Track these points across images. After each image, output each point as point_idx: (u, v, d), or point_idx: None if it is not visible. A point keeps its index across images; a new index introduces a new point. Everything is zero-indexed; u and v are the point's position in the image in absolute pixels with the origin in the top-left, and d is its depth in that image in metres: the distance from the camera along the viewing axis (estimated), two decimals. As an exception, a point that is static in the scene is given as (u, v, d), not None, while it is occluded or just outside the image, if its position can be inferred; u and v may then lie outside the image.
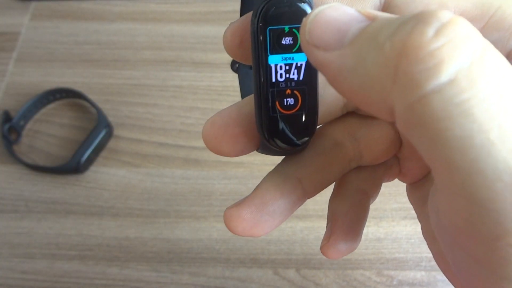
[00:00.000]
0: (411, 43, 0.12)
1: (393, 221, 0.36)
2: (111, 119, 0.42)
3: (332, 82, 0.15)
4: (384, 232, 0.36)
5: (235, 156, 0.19)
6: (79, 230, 0.37)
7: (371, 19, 0.14)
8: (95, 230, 0.37)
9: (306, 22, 0.14)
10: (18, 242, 0.36)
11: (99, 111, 0.41)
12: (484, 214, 0.12)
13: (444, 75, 0.11)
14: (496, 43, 0.17)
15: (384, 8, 0.18)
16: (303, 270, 0.34)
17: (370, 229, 0.36)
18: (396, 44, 0.12)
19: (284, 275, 0.34)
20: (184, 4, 0.51)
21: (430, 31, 0.12)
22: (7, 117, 0.42)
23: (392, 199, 0.37)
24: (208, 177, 0.39)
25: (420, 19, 0.12)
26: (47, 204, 0.38)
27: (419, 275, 0.34)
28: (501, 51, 0.16)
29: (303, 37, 0.15)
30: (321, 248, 0.21)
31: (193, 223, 0.37)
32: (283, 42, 0.17)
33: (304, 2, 0.16)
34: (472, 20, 0.17)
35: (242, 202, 0.19)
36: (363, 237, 0.37)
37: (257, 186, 0.20)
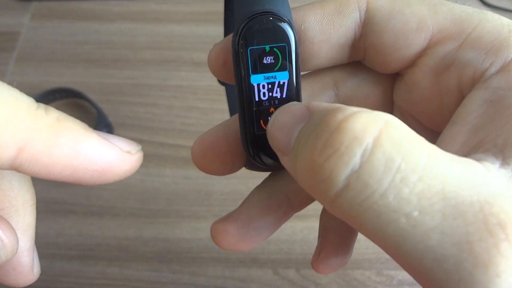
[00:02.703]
0: (307, 159, 0.13)
1: (393, 221, 0.36)
2: (111, 119, 0.42)
3: None
4: (384, 232, 0.36)
5: (224, 175, 0.19)
6: (79, 230, 0.37)
7: (311, 115, 0.14)
8: (95, 230, 0.37)
9: (268, 129, 0.16)
10: (18, 242, 0.36)
11: (99, 111, 0.41)
12: (429, 283, 0.13)
13: (338, 183, 0.12)
14: (471, 62, 0.17)
15: (365, 24, 0.18)
16: (303, 270, 0.34)
17: (370, 229, 0.36)
18: (302, 159, 0.13)
19: (284, 275, 0.34)
20: (184, 4, 0.51)
21: (320, 145, 0.13)
22: (7, 117, 0.42)
23: (392, 199, 0.37)
24: (208, 177, 0.39)
25: (317, 130, 0.13)
26: (47, 203, 0.38)
27: (419, 275, 0.34)
28: (474, 71, 0.17)
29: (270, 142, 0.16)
30: (312, 263, 0.21)
31: (193, 223, 0.37)
32: (265, 61, 0.17)
33: (284, 21, 0.17)
34: (451, 37, 0.17)
35: (228, 217, 0.20)
36: (363, 237, 0.37)
37: (244, 201, 0.20)
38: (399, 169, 0.12)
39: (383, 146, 0.12)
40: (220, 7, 0.51)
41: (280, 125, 0.15)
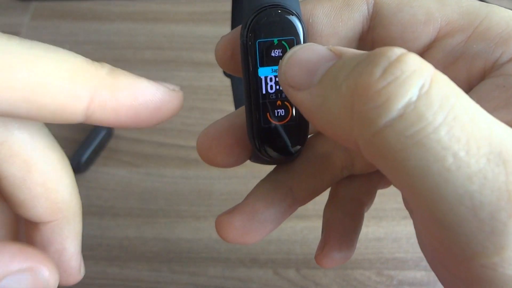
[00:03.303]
0: (361, 84, 0.13)
1: (393, 220, 0.36)
2: (111, 119, 0.42)
3: (307, 117, 0.15)
4: (384, 232, 0.36)
5: (228, 167, 0.19)
6: (79, 230, 0.37)
7: (338, 56, 0.14)
8: (95, 230, 0.37)
9: (282, 64, 0.15)
10: (18, 242, 0.36)
11: (99, 111, 0.41)
12: (455, 237, 0.12)
13: (393, 111, 0.12)
14: (480, 54, 0.17)
15: (373, 17, 0.18)
16: (303, 270, 0.34)
17: (370, 229, 0.36)
18: (350, 85, 0.13)
19: (284, 275, 0.34)
20: (184, 4, 0.51)
21: (378, 71, 0.12)
22: (7, 117, 0.42)
23: (392, 199, 0.37)
24: (208, 177, 0.39)
25: (371, 59, 0.13)
26: (47, 204, 0.38)
27: (419, 275, 0.34)
28: (485, 62, 0.17)
29: (279, 77, 0.15)
30: (316, 257, 0.21)
31: (193, 223, 0.37)
32: (273, 54, 0.17)
33: (292, 15, 0.17)
34: (459, 30, 0.17)
35: (233, 210, 0.19)
36: (363, 237, 0.37)
37: (248, 194, 0.20)
38: (453, 107, 0.12)
39: (439, 83, 0.12)
40: (220, 7, 0.51)
41: (301, 60, 0.15)
